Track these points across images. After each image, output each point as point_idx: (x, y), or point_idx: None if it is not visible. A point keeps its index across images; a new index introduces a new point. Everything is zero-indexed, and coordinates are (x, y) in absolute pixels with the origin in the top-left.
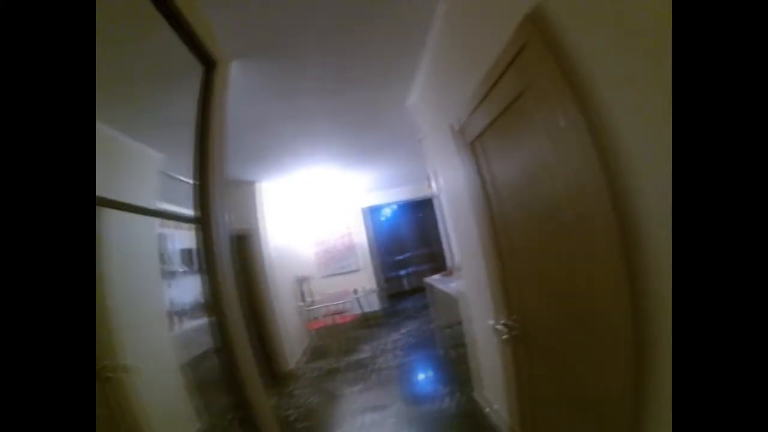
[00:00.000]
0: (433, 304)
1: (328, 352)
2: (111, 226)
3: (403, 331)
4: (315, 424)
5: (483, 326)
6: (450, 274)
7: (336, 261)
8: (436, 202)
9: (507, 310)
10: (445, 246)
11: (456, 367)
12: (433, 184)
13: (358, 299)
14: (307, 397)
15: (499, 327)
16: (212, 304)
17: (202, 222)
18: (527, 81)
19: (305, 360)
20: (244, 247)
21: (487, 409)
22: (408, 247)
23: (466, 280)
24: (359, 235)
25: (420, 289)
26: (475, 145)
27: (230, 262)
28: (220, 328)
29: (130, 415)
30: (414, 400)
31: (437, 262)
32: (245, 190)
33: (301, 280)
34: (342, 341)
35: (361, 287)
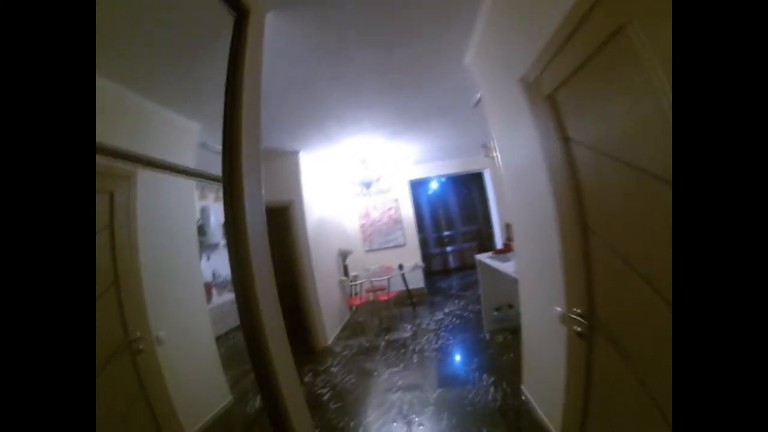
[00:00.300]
0: (482, 283)
1: (368, 330)
2: (148, 195)
3: (446, 310)
4: (348, 404)
5: (544, 313)
6: (503, 252)
7: (381, 235)
8: (487, 176)
9: (584, 298)
10: (495, 223)
11: (502, 354)
12: (494, 153)
13: (403, 275)
14: (343, 375)
15: (570, 316)
16: (236, 281)
17: (231, 190)
18: (628, 12)
19: (344, 336)
20: (286, 220)
21: (537, 407)
22: (454, 223)
23: (527, 260)
24: (405, 209)
25: (465, 268)
26: (554, 98)
27: (263, 234)
28: (244, 305)
29: (160, 387)
30: (455, 388)
31: (483, 241)
32: (287, 161)
33: (344, 254)
34: (383, 318)
35: (406, 263)
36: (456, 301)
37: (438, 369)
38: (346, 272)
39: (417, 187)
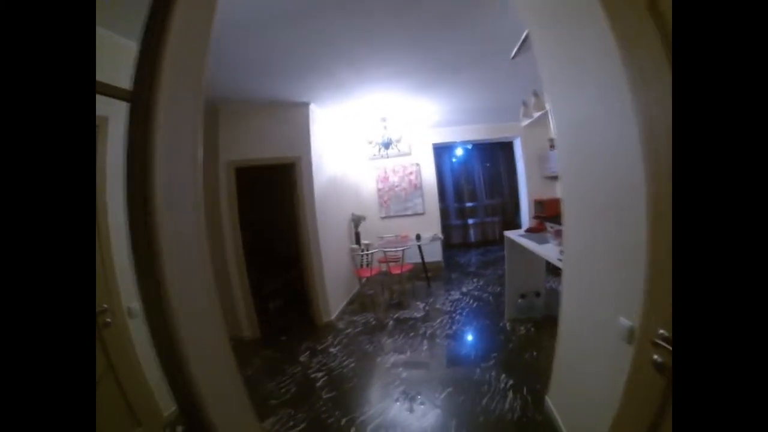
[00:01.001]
0: (508, 264)
1: (376, 305)
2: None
3: (464, 289)
4: (343, 395)
5: (598, 320)
6: (537, 231)
7: (399, 201)
8: (517, 146)
9: (669, 316)
10: (522, 198)
11: (524, 351)
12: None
13: (419, 247)
14: (342, 358)
15: (650, 338)
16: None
17: (135, 143)
18: None
19: (349, 311)
20: (292, 178)
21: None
22: (478, 194)
23: (581, 248)
24: (427, 174)
25: (486, 243)
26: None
27: (199, 197)
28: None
29: (132, 364)
30: (467, 389)
31: (507, 216)
32: (296, 113)
33: (357, 220)
34: (394, 293)
35: (424, 233)
36: (474, 280)
37: (449, 361)
38: (357, 240)
39: (440, 153)
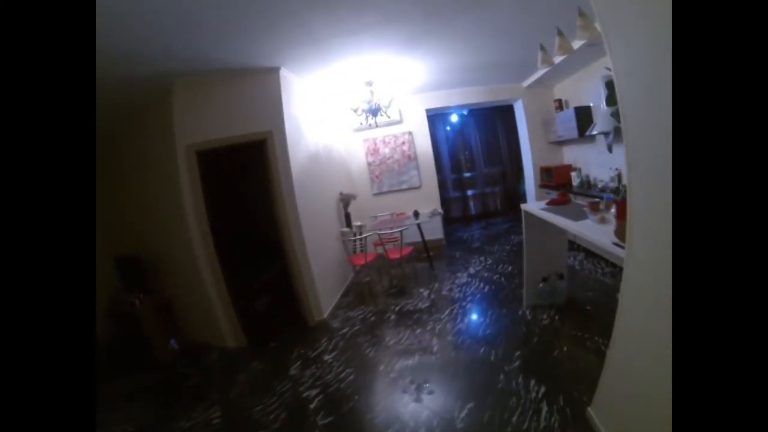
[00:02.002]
0: (527, 243)
1: (374, 295)
2: None
3: (471, 270)
4: (343, 419)
5: (663, 317)
6: (561, 203)
7: (392, 175)
8: (518, 109)
9: None
10: (527, 166)
11: (551, 347)
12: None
13: (419, 226)
14: (339, 368)
15: None
16: None
17: None
18: None
19: (344, 305)
20: (263, 156)
21: None
22: (476, 163)
23: (649, 225)
24: (422, 144)
25: (488, 215)
26: None
27: None
28: None
29: None
30: (493, 402)
31: (508, 185)
32: (263, 81)
33: (346, 199)
34: (393, 278)
35: (423, 209)
36: (481, 259)
37: (465, 365)
38: (348, 222)
39: (434, 121)
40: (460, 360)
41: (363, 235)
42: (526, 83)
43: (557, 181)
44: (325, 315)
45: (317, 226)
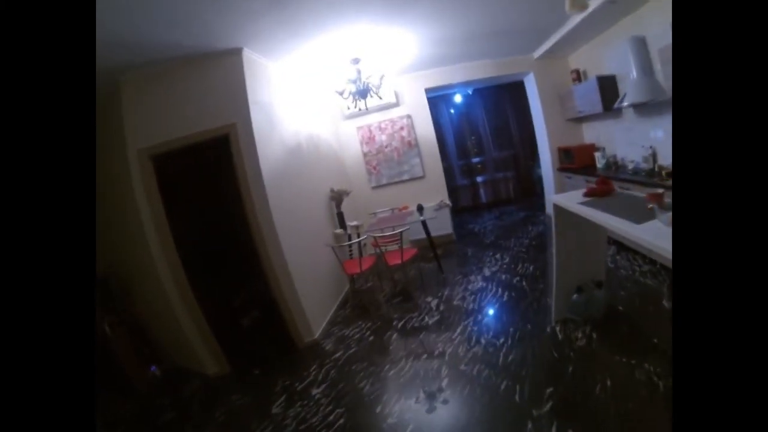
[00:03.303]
0: (557, 245)
1: (375, 307)
2: None
3: (486, 272)
4: None
5: None
6: (606, 193)
7: (391, 165)
8: (530, 85)
9: None
10: (543, 147)
11: (592, 380)
12: None
13: (424, 222)
14: (328, 407)
15: None
16: None
17: None
18: None
19: (339, 320)
20: (226, 155)
21: None
22: (485, 147)
23: None
24: (423, 128)
25: (499, 203)
26: None
27: None
28: None
29: None
30: None
31: (521, 170)
32: (222, 65)
33: (339, 197)
34: (397, 286)
35: (427, 202)
36: (497, 256)
37: (483, 408)
38: (341, 223)
39: (436, 103)
40: (476, 400)
41: (355, 240)
42: (537, 54)
43: (579, 162)
44: (317, 335)
45: (302, 230)
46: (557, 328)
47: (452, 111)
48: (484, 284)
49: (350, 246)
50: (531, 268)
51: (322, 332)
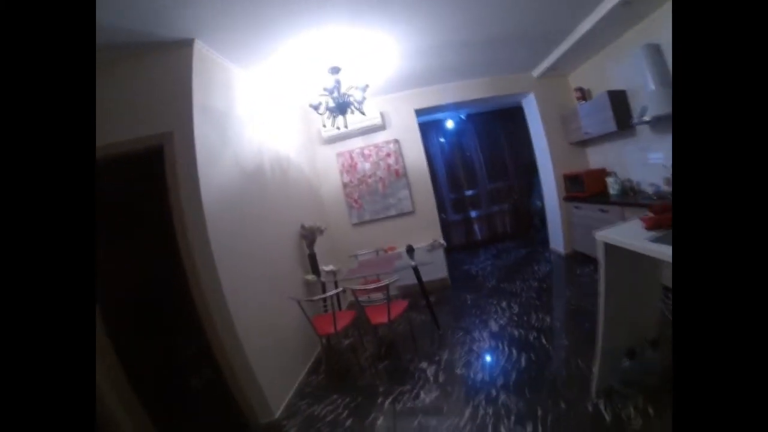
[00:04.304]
0: (609, 294)
1: (355, 374)
2: None
3: (493, 326)
4: None
5: None
6: (658, 224)
7: (376, 197)
8: (530, 107)
9: None
10: (547, 174)
11: None
12: None
13: (415, 268)
14: None
15: None
16: None
17: None
18: None
19: (308, 392)
20: (157, 173)
21: None
22: (478, 178)
23: None
24: (412, 154)
25: (496, 239)
26: None
27: None
28: None
29: None
30: None
31: (517, 201)
32: (166, 60)
33: (311, 235)
34: (381, 347)
35: (418, 242)
36: (503, 304)
37: None
38: (313, 267)
39: (426, 131)
40: None
41: (329, 293)
42: (536, 72)
43: (591, 189)
44: (278, 413)
45: (259, 276)
46: (601, 405)
47: (443, 140)
48: (493, 343)
49: (326, 301)
50: (548, 319)
51: (286, 408)
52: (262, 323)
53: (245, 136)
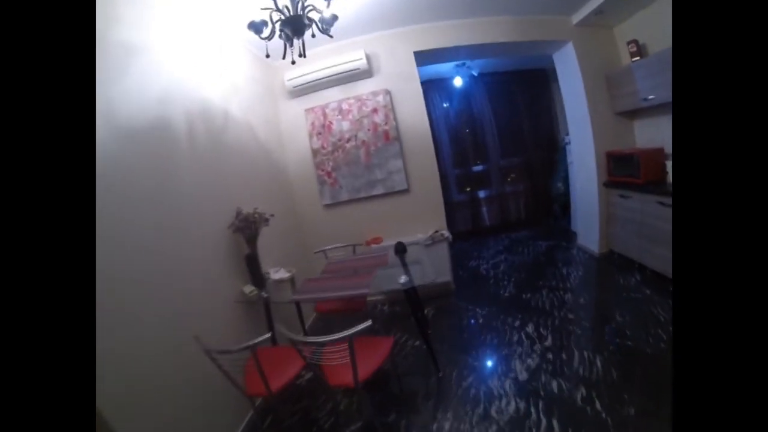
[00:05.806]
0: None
1: None
2: None
3: (519, 370)
4: None
5: None
6: None
7: (358, 169)
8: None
9: None
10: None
11: None
12: None
13: (408, 292)
14: None
15: None
16: None
17: None
18: None
19: None
20: None
21: None
22: (489, 151)
23: None
24: (408, 110)
25: (509, 227)
26: None
27: None
28: None
29: None
30: None
31: (537, 180)
32: None
33: (250, 225)
34: (351, 402)
35: (412, 235)
36: (528, 329)
37: None
38: (255, 274)
39: (426, 92)
40: None
41: (260, 338)
42: (577, 17)
43: (646, 175)
44: None
45: (153, 310)
46: None
47: (446, 105)
48: (520, 405)
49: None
50: (598, 361)
51: None
52: (157, 390)
53: (142, 67)
